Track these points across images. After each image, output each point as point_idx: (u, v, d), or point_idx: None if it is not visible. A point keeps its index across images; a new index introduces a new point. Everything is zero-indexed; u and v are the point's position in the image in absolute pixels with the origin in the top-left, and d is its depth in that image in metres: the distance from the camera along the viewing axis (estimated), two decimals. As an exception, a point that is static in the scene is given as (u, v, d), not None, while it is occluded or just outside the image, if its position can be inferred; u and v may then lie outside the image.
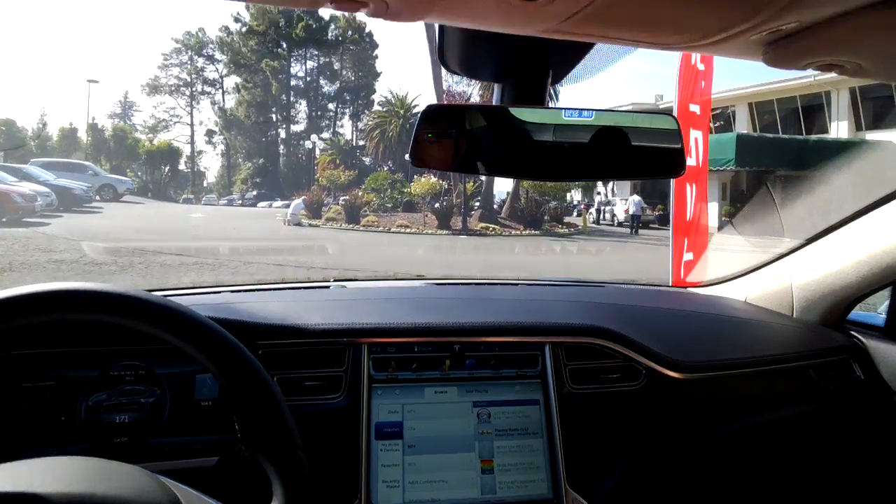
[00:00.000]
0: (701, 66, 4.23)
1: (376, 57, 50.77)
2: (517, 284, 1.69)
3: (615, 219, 22.68)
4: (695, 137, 4.16)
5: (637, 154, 0.88)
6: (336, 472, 1.00)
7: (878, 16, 0.47)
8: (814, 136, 19.57)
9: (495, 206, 21.67)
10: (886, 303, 1.40)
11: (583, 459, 1.09)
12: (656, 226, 20.97)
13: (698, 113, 4.26)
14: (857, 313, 1.42)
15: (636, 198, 20.63)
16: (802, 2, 0.46)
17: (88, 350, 1.02)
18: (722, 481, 1.26)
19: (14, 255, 8.55)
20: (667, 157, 0.90)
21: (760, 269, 1.55)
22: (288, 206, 21.34)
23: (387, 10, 0.49)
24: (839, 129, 20.20)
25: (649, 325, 1.28)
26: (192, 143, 52.01)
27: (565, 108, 0.84)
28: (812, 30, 0.51)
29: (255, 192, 40.78)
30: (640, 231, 19.64)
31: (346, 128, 51.56)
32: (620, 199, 23.50)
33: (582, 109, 0.84)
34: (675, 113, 4.06)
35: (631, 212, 20.50)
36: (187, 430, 1.00)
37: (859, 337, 1.37)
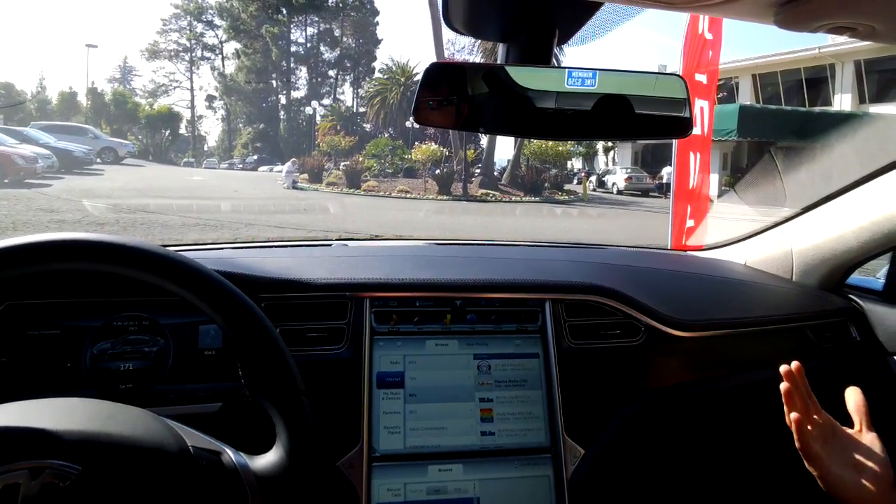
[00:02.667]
0: (709, 36, 4.20)
1: (377, 24, 50.08)
2: (518, 245, 1.69)
3: (615, 187, 22.65)
4: (700, 107, 4.15)
5: (641, 116, 0.88)
6: (339, 419, 1.01)
7: None
8: (817, 109, 19.46)
9: (496, 173, 21.64)
10: (886, 268, 1.42)
11: (580, 410, 1.11)
12: (656, 194, 20.98)
13: (704, 82, 4.24)
14: (856, 278, 1.44)
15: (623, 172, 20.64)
16: None
17: (92, 301, 1.03)
18: (717, 436, 1.28)
19: (17, 216, 8.64)
20: (672, 118, 0.90)
21: (761, 233, 1.56)
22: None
23: None
24: (843, 101, 20.05)
25: (649, 284, 1.29)
26: (192, 107, 51.67)
27: (569, 68, 0.84)
28: None
29: (255, 157, 40.69)
30: (641, 199, 19.61)
31: (346, 94, 51.15)
32: (621, 169, 23.45)
33: (586, 69, 0.83)
34: None
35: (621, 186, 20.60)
36: (191, 378, 1.02)
37: (857, 300, 1.38)
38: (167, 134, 41.24)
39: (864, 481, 0.84)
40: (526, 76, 0.84)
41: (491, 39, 0.92)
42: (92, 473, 0.60)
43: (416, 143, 23.57)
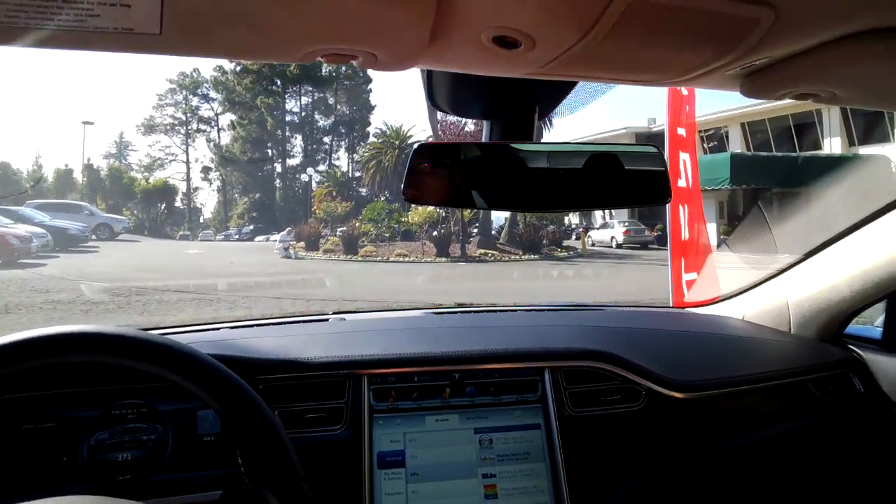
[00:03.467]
0: (685, 92, 4.32)
1: (370, 91, 51.48)
2: (515, 310, 1.69)
3: (614, 241, 22.69)
4: (683, 160, 4.21)
5: (626, 182, 0.90)
6: (340, 503, 1.00)
7: (843, 49, 0.49)
8: (807, 153, 19.73)
9: (493, 232, 21.75)
10: (882, 316, 1.42)
11: (586, 481, 1.10)
12: (655, 246, 21.02)
13: (685, 136, 4.33)
14: (854, 327, 1.44)
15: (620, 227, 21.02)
16: (771, 40, 0.48)
17: (89, 390, 1.03)
18: (725, 498, 1.26)
19: (10, 297, 8.54)
20: (654, 185, 0.92)
21: (757, 286, 1.56)
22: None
23: (376, 61, 0.52)
24: (832, 145, 20.41)
25: (647, 346, 1.29)
26: (188, 180, 52.27)
27: (554, 144, 0.89)
28: (783, 63, 0.54)
29: (251, 227, 40.96)
30: (641, 252, 19.65)
31: (341, 160, 51.98)
32: (619, 223, 23.57)
33: (568, 144, 0.89)
34: (666, 137, 4.18)
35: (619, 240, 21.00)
36: (190, 465, 1.01)
37: (857, 350, 1.38)
38: (163, 207, 41.61)
39: None
40: (506, 152, 0.86)
41: (475, 118, 0.94)
42: None
43: (412, 205, 23.70)
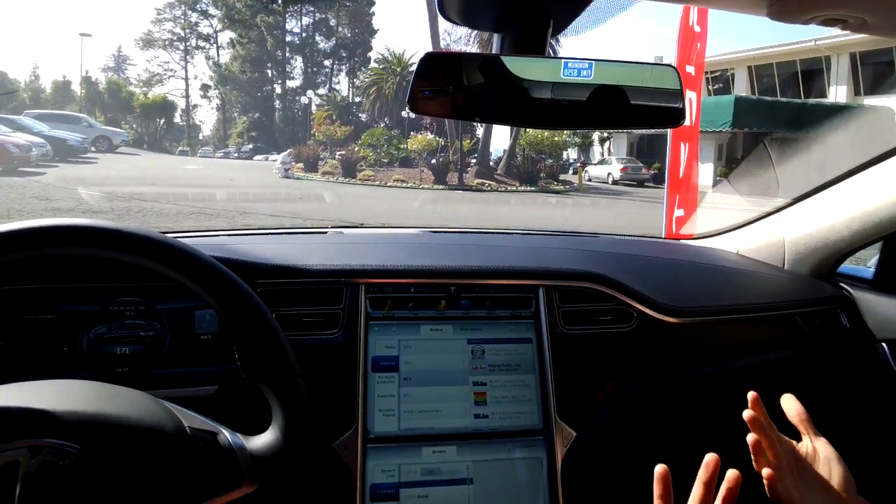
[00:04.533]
0: (697, 28, 4.26)
1: (373, 14, 49.92)
2: (512, 233, 1.70)
3: (611, 177, 22.68)
4: (689, 98, 4.16)
5: (640, 102, 0.88)
6: (334, 402, 1.03)
7: None
8: (812, 100, 19.48)
9: (492, 163, 21.63)
10: (876, 257, 1.44)
11: (573, 394, 1.12)
12: (651, 184, 21.01)
13: (693, 74, 4.31)
14: (847, 266, 1.45)
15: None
16: None
17: (88, 286, 1.04)
18: (708, 420, 1.28)
19: (11, 204, 8.61)
20: (665, 108, 0.90)
21: (753, 223, 1.57)
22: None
23: None
24: (838, 93, 20.09)
25: (641, 271, 1.30)
26: (186, 96, 51.36)
27: (565, 58, 0.83)
28: None
29: (250, 146, 40.58)
30: (636, 189, 19.73)
31: (342, 84, 51.12)
32: (616, 159, 23.46)
33: (581, 59, 0.83)
34: None
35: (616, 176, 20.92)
36: (187, 361, 1.03)
37: (848, 288, 1.40)
38: (162, 123, 41.01)
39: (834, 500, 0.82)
40: (522, 66, 0.84)
41: (485, 29, 0.92)
42: (90, 453, 0.61)
43: (412, 132, 23.56)
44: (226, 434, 0.73)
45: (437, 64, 0.87)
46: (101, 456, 0.62)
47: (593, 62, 0.84)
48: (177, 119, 47.77)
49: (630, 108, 0.88)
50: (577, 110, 0.87)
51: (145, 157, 26.11)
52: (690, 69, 4.29)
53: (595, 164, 24.61)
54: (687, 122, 4.21)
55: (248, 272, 1.02)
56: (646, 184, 21.52)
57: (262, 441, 0.74)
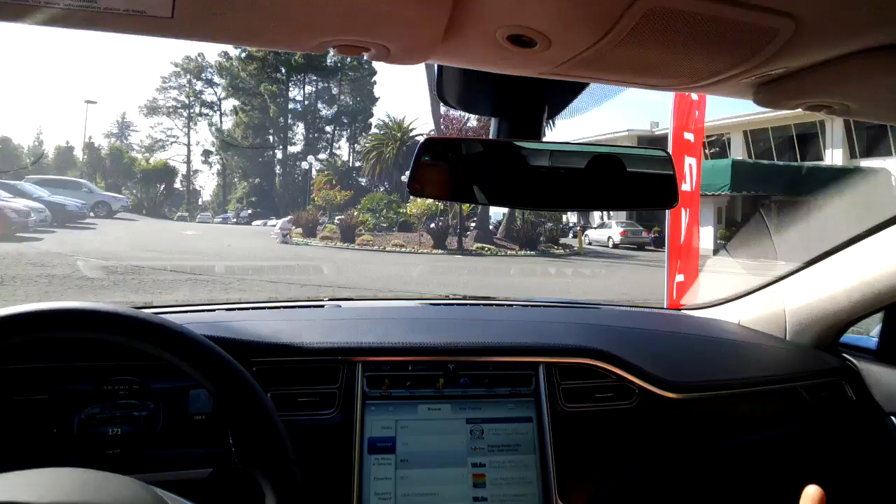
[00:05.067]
0: (694, 97, 4.33)
1: (374, 83, 51.52)
2: (512, 305, 1.69)
3: (611, 241, 22.73)
4: (689, 164, 4.26)
5: (631, 184, 0.90)
6: (329, 486, 1.01)
7: (860, 62, 0.49)
8: (808, 163, 19.77)
9: (491, 227, 21.76)
10: (878, 327, 1.43)
11: (575, 475, 1.10)
12: (652, 248, 21.06)
13: (692, 141, 4.36)
14: (850, 336, 1.45)
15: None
16: (789, 51, 0.48)
17: (82, 365, 1.03)
18: (713, 500, 1.27)
19: (6, 269, 8.53)
20: (660, 188, 0.92)
21: (754, 293, 1.57)
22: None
23: (388, 54, 0.51)
24: (833, 156, 20.47)
25: (643, 346, 1.30)
26: (188, 162, 52.36)
27: (560, 143, 0.87)
28: (800, 74, 0.53)
29: (249, 211, 41.01)
30: (637, 252, 19.77)
31: (343, 150, 52.06)
32: (616, 223, 23.62)
33: (577, 144, 0.88)
34: (670, 140, 4.20)
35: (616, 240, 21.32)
36: (180, 443, 1.01)
37: (851, 359, 1.38)
38: (162, 188, 41.46)
39: None
40: (517, 150, 0.86)
41: (482, 114, 0.94)
42: None
43: (412, 197, 23.69)
44: None
45: (436, 147, 0.88)
46: None
47: (589, 146, 0.87)
48: (177, 184, 48.44)
49: (626, 185, 0.89)
50: (574, 188, 0.88)
51: (143, 223, 26.34)
52: (689, 136, 4.34)
53: (595, 228, 24.77)
54: (687, 188, 4.22)
55: (244, 351, 1.02)
56: (646, 247, 21.57)
57: None
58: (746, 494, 1.28)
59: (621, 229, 22.85)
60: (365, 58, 0.55)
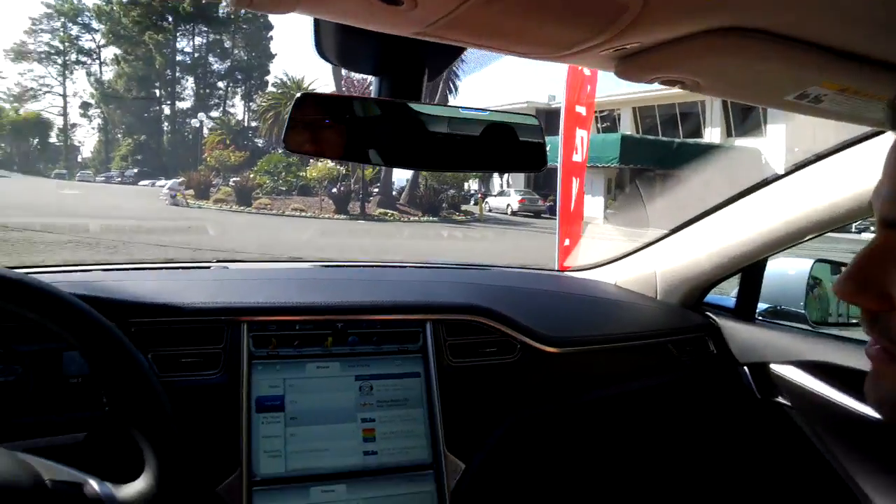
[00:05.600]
0: (587, 72, 4.41)
1: (271, 38, 49.19)
2: (405, 266, 1.71)
3: (509, 208, 23.41)
4: (581, 136, 4.39)
5: (505, 149, 0.92)
6: (217, 445, 1.00)
7: (706, 41, 0.53)
8: (687, 140, 21.18)
9: (394, 193, 21.72)
10: (736, 288, 1.55)
11: (461, 427, 1.15)
12: (547, 216, 21.85)
13: (584, 114, 4.48)
14: (712, 297, 1.58)
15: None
16: (640, 26, 0.51)
17: None
18: (590, 445, 1.37)
19: None
20: (532, 153, 0.94)
21: (629, 256, 1.68)
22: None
23: (251, 2, 0.48)
24: (712, 134, 22.03)
25: (526, 303, 1.36)
26: (64, 115, 47.90)
27: (441, 107, 0.88)
28: (654, 49, 0.56)
29: (135, 170, 38.33)
30: (533, 220, 20.48)
31: (237, 108, 49.60)
32: (515, 191, 24.26)
33: (455, 108, 0.89)
34: (562, 113, 4.37)
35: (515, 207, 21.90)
36: (55, 408, 0.96)
37: (713, 317, 1.51)
38: (36, 143, 37.94)
39: None
40: (394, 110, 0.86)
41: (364, 73, 0.92)
42: None
43: (312, 160, 23.16)
44: (93, 484, 0.70)
45: (315, 104, 0.87)
46: None
47: (460, 109, 0.88)
48: (53, 139, 44.44)
49: (500, 150, 0.91)
50: (451, 151, 0.89)
51: (16, 180, 24.15)
52: (581, 109, 4.48)
53: (495, 196, 25.30)
54: (578, 159, 4.43)
55: (121, 311, 0.99)
56: (542, 215, 22.34)
57: (133, 489, 0.72)
58: (620, 441, 1.40)
59: (519, 197, 23.45)
60: (226, 4, 0.54)
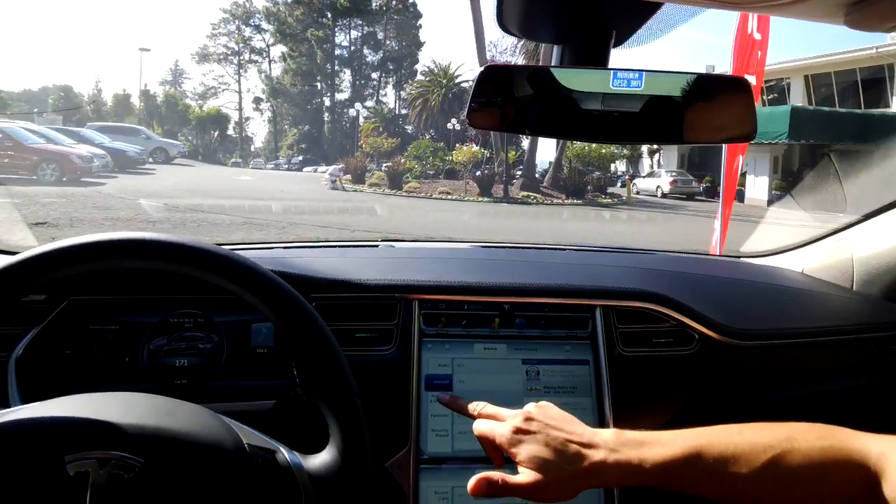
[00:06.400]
0: (757, 36, 4.10)
1: (420, 27, 50.70)
2: (564, 249, 1.66)
3: (660, 190, 22.31)
4: None
5: (694, 119, 0.85)
6: (387, 421, 1.01)
7: None
8: (876, 111, 18.72)
9: (537, 175, 21.53)
10: None
11: (631, 419, 1.08)
12: (702, 198, 20.58)
13: (753, 83, 4.08)
14: None
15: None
16: None
17: (149, 298, 1.06)
18: None
19: (73, 213, 9.02)
20: (731, 121, 0.87)
21: (818, 241, 1.50)
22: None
23: None
24: (903, 103, 19.29)
25: (702, 291, 1.26)
26: (239, 109, 52.95)
27: (615, 69, 0.81)
28: None
29: (300, 158, 41.59)
30: (687, 202, 19.36)
31: (389, 96, 51.84)
32: (666, 172, 23.07)
33: (633, 70, 0.81)
34: None
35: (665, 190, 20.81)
36: (244, 375, 1.04)
37: None
38: (216, 135, 42.32)
39: None
40: (571, 78, 0.82)
41: (545, 41, 0.90)
42: (154, 467, 0.62)
43: (458, 144, 23.65)
44: (284, 452, 0.73)
45: (494, 76, 0.85)
46: (163, 471, 0.63)
47: (643, 72, 0.81)
48: (230, 131, 49.27)
49: (686, 121, 0.84)
50: (628, 123, 0.84)
51: (200, 169, 26.96)
52: (750, 78, 4.02)
53: (643, 177, 24.21)
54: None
55: (304, 286, 1.02)
56: (696, 197, 21.06)
57: (319, 460, 0.73)
58: None
59: (670, 178, 22.30)
60: None
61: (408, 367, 1.06)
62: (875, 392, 1.26)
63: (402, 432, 1.02)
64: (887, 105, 19.46)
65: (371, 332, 1.08)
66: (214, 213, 10.31)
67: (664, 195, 21.89)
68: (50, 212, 8.83)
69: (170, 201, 11.61)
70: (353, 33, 49.99)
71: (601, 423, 1.07)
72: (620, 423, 1.07)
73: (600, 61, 0.80)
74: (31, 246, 0.70)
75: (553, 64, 0.84)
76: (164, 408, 0.70)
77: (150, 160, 22.86)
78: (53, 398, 0.69)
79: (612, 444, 0.71)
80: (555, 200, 18.47)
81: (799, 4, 0.53)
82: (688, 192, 21.67)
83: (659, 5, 0.71)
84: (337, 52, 49.64)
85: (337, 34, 49.15)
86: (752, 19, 4.09)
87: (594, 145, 19.85)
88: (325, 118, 50.17)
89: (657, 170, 24.16)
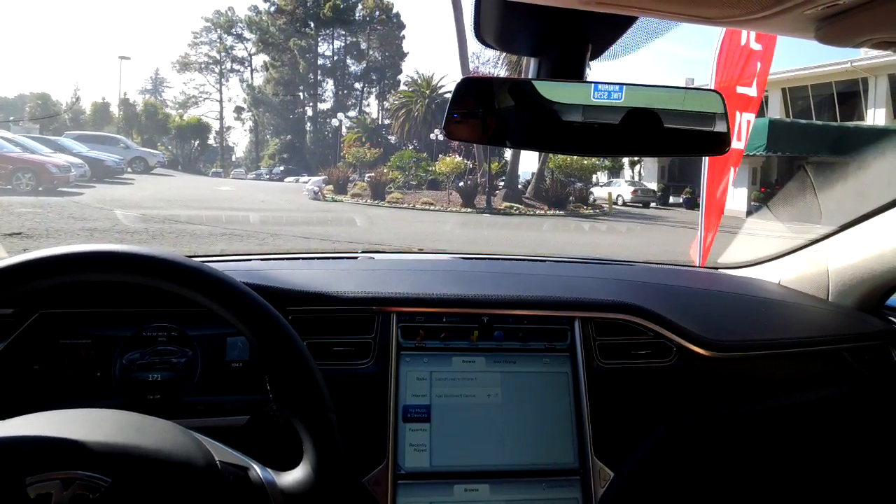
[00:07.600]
0: (757, 47, 3.99)
1: (403, 37, 50.91)
2: (545, 261, 1.67)
3: (620, 199, 23.11)
4: (747, 120, 3.99)
5: (673, 132, 0.86)
6: (364, 436, 1.01)
7: None
8: (851, 123, 19.09)
9: (520, 186, 21.64)
10: None
11: (610, 432, 1.09)
12: (683, 209, 20.87)
13: (754, 95, 4.03)
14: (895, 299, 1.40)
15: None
16: None
17: (122, 311, 1.05)
18: (750, 460, 1.25)
19: (50, 223, 8.80)
20: (706, 136, 0.87)
21: (795, 252, 1.52)
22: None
23: None
24: (876, 116, 19.70)
25: (680, 303, 1.27)
26: (221, 118, 52.68)
27: (595, 82, 0.82)
28: (871, 4, 0.48)
29: (282, 168, 41.34)
30: (669, 213, 19.79)
31: (372, 107, 52.04)
32: (626, 182, 23.93)
33: (613, 83, 0.82)
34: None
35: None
36: (218, 389, 1.02)
37: None
38: (196, 144, 41.94)
39: None
40: (552, 90, 0.83)
41: (522, 54, 0.89)
42: (121, 486, 0.61)
43: (441, 155, 23.67)
44: (256, 469, 0.72)
45: (473, 88, 0.85)
46: (131, 490, 0.61)
47: (623, 86, 0.82)
48: (211, 141, 48.89)
49: (665, 134, 0.85)
50: (608, 136, 0.84)
51: (180, 178, 26.73)
52: (746, 90, 4.04)
53: (601, 186, 24.80)
54: (739, 145, 3.96)
55: (280, 299, 1.01)
56: (651, 205, 22.07)
57: (292, 477, 0.73)
58: (786, 456, 1.27)
59: (631, 188, 23.65)
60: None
61: (385, 380, 1.05)
62: (849, 402, 1.29)
63: (380, 447, 1.01)
64: (861, 118, 19.89)
65: (348, 346, 1.07)
66: (193, 223, 10.21)
67: (624, 203, 22.69)
68: (25, 222, 8.67)
69: (148, 212, 11.46)
70: (337, 43, 50.12)
71: (580, 435, 1.07)
72: (599, 434, 1.08)
73: (578, 74, 0.81)
74: (2, 258, 0.69)
75: (531, 76, 0.85)
76: (132, 424, 0.69)
77: (129, 170, 22.55)
78: (17, 416, 0.67)
79: None
80: (537, 211, 18.54)
81: (770, 19, 0.53)
82: (644, 200, 22.93)
83: (635, 19, 0.71)
84: (320, 61, 49.76)
85: (320, 44, 49.28)
86: (747, 31, 4.02)
87: (576, 157, 20.01)
88: (308, 128, 50.09)
89: (615, 180, 24.74)
